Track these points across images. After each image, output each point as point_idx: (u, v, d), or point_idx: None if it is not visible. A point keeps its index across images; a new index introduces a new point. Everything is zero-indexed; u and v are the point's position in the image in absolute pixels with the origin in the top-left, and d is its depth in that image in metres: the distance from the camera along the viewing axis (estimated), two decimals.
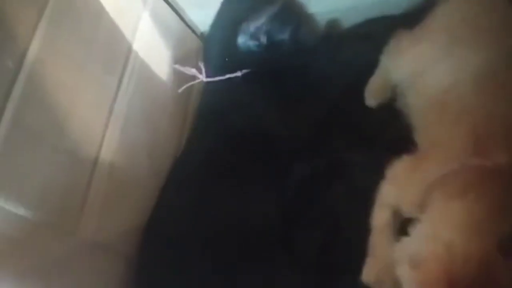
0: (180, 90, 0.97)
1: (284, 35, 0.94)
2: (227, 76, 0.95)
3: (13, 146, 0.60)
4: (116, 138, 0.78)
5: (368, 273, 0.71)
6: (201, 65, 0.99)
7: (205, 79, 0.98)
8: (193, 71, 0.98)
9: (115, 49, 0.81)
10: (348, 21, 1.05)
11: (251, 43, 0.93)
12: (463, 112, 0.66)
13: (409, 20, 0.85)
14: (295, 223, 0.81)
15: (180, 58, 1.00)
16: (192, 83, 0.99)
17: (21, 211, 0.61)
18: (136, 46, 0.86)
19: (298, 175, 0.85)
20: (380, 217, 0.72)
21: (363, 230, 0.73)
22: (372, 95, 0.90)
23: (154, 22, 0.93)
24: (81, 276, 0.71)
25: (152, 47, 0.92)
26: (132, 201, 0.81)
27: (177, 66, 0.97)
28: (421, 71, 0.76)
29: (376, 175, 0.73)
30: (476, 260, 0.51)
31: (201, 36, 1.10)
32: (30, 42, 0.64)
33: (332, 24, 1.06)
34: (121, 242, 0.77)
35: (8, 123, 0.60)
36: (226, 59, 0.96)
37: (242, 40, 0.93)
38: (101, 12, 0.78)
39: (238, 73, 0.94)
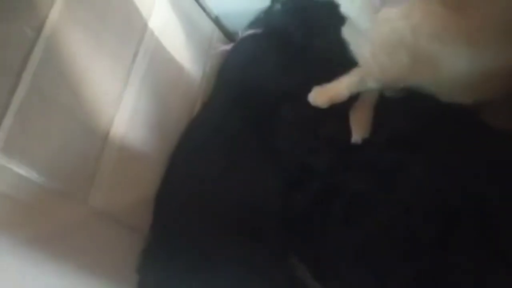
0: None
1: None
2: (250, 31, 1.00)
3: (28, 112, 0.61)
4: (128, 111, 0.79)
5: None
6: (239, 32, 1.05)
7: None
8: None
9: (132, 23, 0.82)
10: None
11: None
12: None
13: None
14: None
15: (194, 39, 1.00)
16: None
17: (33, 176, 0.61)
18: (152, 23, 0.87)
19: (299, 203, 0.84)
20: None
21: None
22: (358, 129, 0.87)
23: (170, 2, 0.94)
24: (89, 245, 0.71)
25: (167, 26, 0.92)
26: (141, 174, 0.82)
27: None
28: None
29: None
30: None
31: (215, 19, 1.11)
32: (49, 10, 0.65)
33: None
34: (130, 214, 0.78)
35: (25, 89, 0.60)
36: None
37: None
38: None
39: (259, 30, 1.00)
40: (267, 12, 1.04)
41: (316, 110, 0.85)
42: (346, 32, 0.83)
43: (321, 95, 0.84)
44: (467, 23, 0.69)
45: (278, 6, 1.02)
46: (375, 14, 0.73)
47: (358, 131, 0.86)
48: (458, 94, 0.77)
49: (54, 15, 0.65)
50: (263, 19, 1.03)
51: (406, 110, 0.83)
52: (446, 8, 0.69)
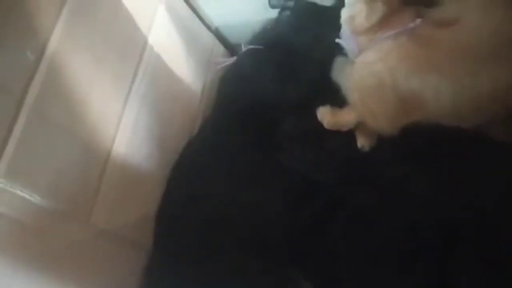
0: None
1: None
2: (251, 46, 1.00)
3: (31, 135, 0.61)
4: (129, 129, 0.79)
5: None
6: (242, 45, 1.05)
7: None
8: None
9: (132, 42, 0.83)
10: None
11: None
12: None
13: None
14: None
15: (194, 53, 1.01)
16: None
17: (36, 199, 0.62)
18: (152, 39, 0.87)
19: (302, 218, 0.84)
20: None
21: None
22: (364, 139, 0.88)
23: (170, 17, 0.94)
24: (91, 263, 0.72)
25: (167, 41, 0.93)
26: (143, 191, 0.82)
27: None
28: None
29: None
30: None
31: (215, 31, 1.11)
32: (51, 34, 0.65)
33: None
34: (132, 231, 0.79)
35: (27, 113, 0.61)
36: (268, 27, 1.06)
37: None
38: (119, 5, 0.79)
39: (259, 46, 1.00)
40: (276, 20, 1.05)
41: (319, 124, 0.85)
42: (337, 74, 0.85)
43: (329, 117, 0.85)
44: (438, 58, 0.71)
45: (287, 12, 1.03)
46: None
47: (364, 141, 0.86)
48: (455, 121, 0.77)
49: (55, 38, 0.66)
50: (267, 31, 1.04)
51: (409, 126, 0.83)
52: (417, 47, 0.72)
